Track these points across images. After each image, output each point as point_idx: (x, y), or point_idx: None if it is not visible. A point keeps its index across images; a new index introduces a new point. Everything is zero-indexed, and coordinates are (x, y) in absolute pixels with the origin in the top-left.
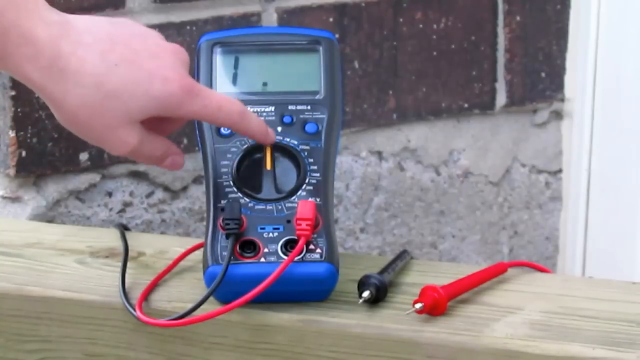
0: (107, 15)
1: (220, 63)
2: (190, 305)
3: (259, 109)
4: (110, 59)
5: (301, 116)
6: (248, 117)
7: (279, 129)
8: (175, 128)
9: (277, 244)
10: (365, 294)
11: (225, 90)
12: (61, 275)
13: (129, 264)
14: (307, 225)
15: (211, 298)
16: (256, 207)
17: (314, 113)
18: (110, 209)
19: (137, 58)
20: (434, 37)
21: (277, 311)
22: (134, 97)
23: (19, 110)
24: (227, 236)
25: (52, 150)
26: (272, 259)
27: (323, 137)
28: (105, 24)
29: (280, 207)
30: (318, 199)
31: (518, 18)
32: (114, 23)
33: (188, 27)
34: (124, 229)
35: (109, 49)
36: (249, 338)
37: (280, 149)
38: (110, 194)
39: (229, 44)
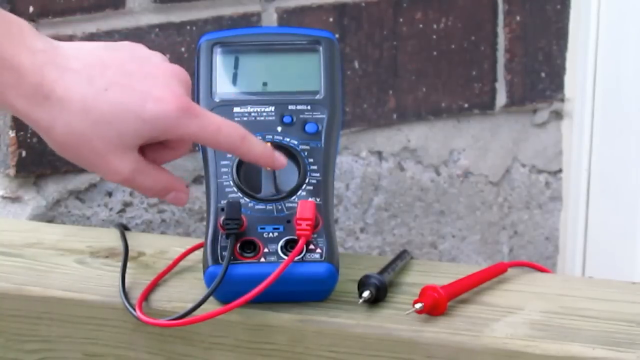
0: (107, 15)
1: (220, 63)
2: (190, 305)
3: (259, 109)
4: (99, 84)
5: (301, 116)
6: (250, 141)
7: (279, 129)
8: (174, 157)
9: (277, 244)
10: (365, 294)
11: (225, 90)
12: (61, 275)
13: (129, 264)
14: (307, 225)
15: (211, 298)
16: (256, 207)
17: (314, 113)
18: (110, 209)
19: (129, 81)
20: (434, 37)
21: (277, 311)
22: (126, 122)
23: None
24: (227, 236)
25: (52, 150)
26: (272, 259)
27: (323, 137)
28: (99, 49)
29: (280, 207)
30: (318, 199)
31: (518, 18)
32: (111, 47)
33: (188, 27)
34: (124, 229)
35: (99, 73)
36: (249, 338)
37: (280, 149)
38: (110, 194)
39: (229, 44)
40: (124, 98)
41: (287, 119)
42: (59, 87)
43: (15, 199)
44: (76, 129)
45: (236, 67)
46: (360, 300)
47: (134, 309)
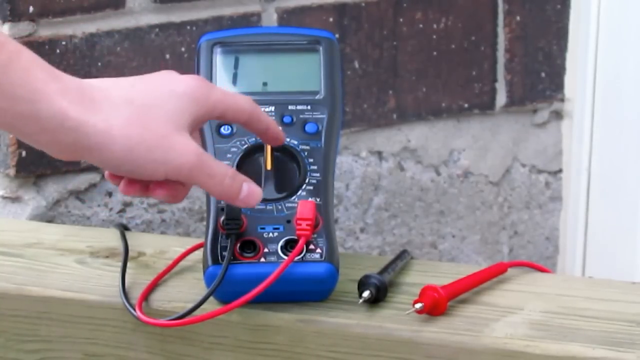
0: (107, 15)
1: (220, 63)
2: (190, 305)
3: None
4: (124, 83)
5: (301, 116)
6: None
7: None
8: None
9: (277, 244)
10: (365, 294)
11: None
12: (61, 275)
13: (129, 264)
14: (307, 225)
15: (211, 298)
16: (256, 207)
17: (314, 113)
18: (110, 209)
19: (148, 78)
20: (434, 37)
21: (277, 311)
22: (167, 101)
23: None
24: (227, 236)
25: None
26: (272, 259)
27: (323, 137)
28: None
29: (280, 207)
30: (318, 199)
31: (518, 18)
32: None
33: (188, 27)
34: (124, 229)
35: (118, 81)
36: (249, 338)
37: (280, 149)
38: (110, 194)
39: (229, 44)
40: (152, 86)
41: (287, 119)
42: (97, 91)
43: (15, 199)
44: (132, 117)
45: (236, 67)
46: (360, 300)
47: (134, 309)
